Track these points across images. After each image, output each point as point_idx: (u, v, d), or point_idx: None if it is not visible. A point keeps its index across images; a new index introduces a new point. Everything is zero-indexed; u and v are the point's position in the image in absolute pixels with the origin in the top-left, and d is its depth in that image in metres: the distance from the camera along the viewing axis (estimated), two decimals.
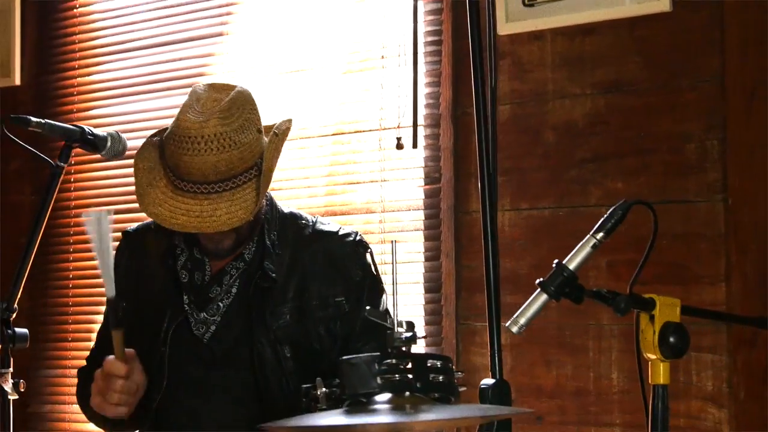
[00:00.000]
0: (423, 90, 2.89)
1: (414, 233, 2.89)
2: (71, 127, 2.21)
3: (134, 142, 2.26)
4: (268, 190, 2.31)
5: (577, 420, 2.70)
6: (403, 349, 1.69)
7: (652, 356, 1.73)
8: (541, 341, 2.74)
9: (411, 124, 2.72)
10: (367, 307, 1.76)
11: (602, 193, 2.70)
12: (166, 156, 2.14)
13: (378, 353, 1.74)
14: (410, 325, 1.72)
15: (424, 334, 1.73)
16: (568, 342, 2.71)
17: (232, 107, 2.12)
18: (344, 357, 1.80)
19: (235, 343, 2.22)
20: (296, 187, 3.07)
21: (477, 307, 2.84)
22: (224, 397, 2.21)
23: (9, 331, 2.15)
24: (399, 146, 2.88)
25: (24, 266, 2.21)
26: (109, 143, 2.24)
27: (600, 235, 1.71)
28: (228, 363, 2.22)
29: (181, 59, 3.32)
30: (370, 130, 2.97)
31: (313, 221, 2.32)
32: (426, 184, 2.89)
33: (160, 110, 3.33)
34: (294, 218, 2.31)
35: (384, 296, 2.32)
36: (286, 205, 2.34)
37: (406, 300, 2.88)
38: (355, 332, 2.22)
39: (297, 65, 3.10)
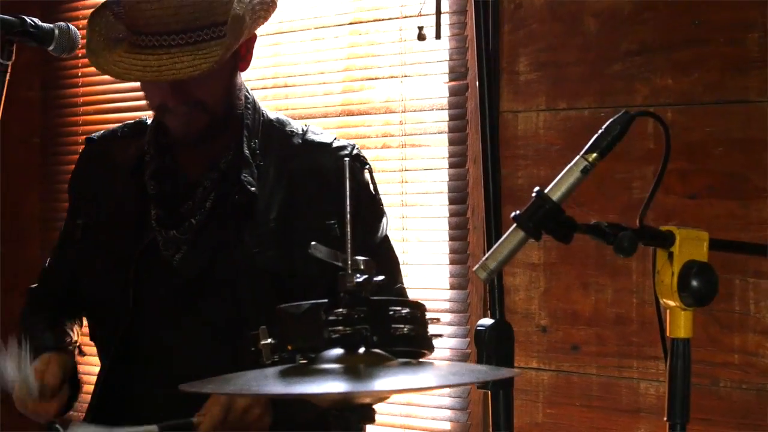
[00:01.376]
0: None
1: (437, 136, 2.56)
2: (7, 16, 1.90)
3: None
4: (251, 93, 2.00)
5: (617, 351, 2.37)
6: (359, 294, 1.40)
7: (671, 303, 1.40)
8: (579, 261, 2.39)
9: (434, 11, 2.40)
10: (313, 243, 1.43)
11: (649, 91, 2.32)
12: (124, 11, 1.89)
13: (325, 300, 1.44)
14: (368, 265, 1.41)
15: (382, 277, 1.38)
16: (609, 262, 2.36)
17: None
18: (284, 305, 1.50)
19: (208, 268, 1.92)
20: (310, 83, 2.74)
21: (509, 220, 2.50)
22: (198, 329, 1.93)
23: None
24: (420, 37, 2.51)
25: None
26: (56, 35, 1.93)
27: (593, 156, 1.37)
28: (201, 291, 1.93)
29: None
30: (390, 19, 2.62)
31: (303, 129, 2.00)
32: (451, 81, 2.54)
33: None
34: (281, 125, 2.00)
35: (384, 220, 2.01)
36: (275, 109, 2.06)
37: (428, 211, 2.55)
38: None
39: None
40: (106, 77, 3.07)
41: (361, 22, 2.66)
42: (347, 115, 2.68)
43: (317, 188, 1.93)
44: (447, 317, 2.52)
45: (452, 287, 2.52)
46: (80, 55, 3.24)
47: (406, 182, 2.58)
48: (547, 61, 2.44)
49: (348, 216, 1.43)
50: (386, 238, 2.02)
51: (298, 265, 1.90)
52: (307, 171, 1.94)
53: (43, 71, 3.34)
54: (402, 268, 2.55)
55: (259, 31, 2.74)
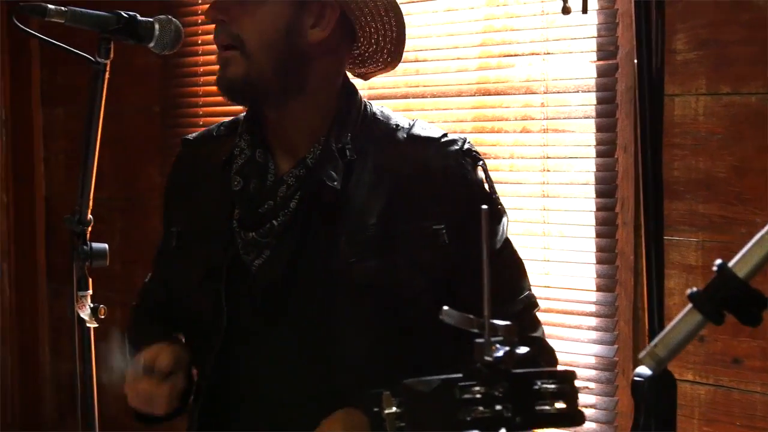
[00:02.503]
0: None
1: (583, 121, 2.31)
2: (103, 13, 1.72)
3: None
4: (353, 86, 1.80)
5: None
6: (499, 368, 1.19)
7: None
8: None
9: None
10: (444, 308, 1.23)
11: None
12: None
13: (458, 375, 1.24)
14: (509, 331, 1.21)
15: (526, 349, 1.18)
16: None
17: None
18: (410, 380, 1.30)
19: (292, 277, 1.72)
20: (443, 59, 2.51)
21: (669, 220, 2.25)
22: (286, 349, 1.74)
23: (85, 247, 1.75)
24: (565, 10, 2.23)
25: (87, 176, 1.77)
26: (157, 32, 1.74)
27: None
28: (288, 305, 1.73)
29: None
30: None
31: (409, 125, 1.78)
32: (599, 59, 2.28)
33: None
34: (385, 118, 1.78)
35: (503, 222, 1.78)
36: (380, 104, 1.82)
37: (572, 204, 2.32)
38: (460, 272, 1.70)
39: None
40: None
41: None
42: (483, 95, 2.44)
43: (423, 188, 1.70)
44: (592, 321, 2.30)
45: (598, 289, 2.29)
46: (199, 21, 3.09)
47: (548, 171, 2.34)
48: (709, 38, 2.17)
49: (486, 278, 1.23)
50: (507, 241, 1.79)
51: (401, 277, 1.69)
52: (412, 169, 1.72)
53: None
54: (542, 265, 2.35)
55: None
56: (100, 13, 1.72)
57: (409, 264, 1.69)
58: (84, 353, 1.74)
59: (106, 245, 1.78)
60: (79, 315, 1.75)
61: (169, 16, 1.76)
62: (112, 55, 1.72)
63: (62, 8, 1.69)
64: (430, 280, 1.71)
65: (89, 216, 1.76)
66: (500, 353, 1.18)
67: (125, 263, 3.30)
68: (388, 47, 1.82)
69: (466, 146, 1.76)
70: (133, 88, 3.25)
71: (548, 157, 2.34)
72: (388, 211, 1.71)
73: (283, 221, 1.72)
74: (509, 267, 1.81)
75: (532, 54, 2.36)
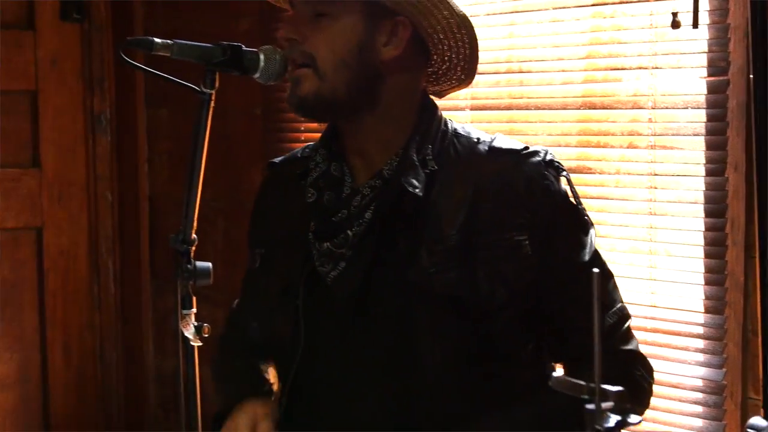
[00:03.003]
0: None
1: (692, 138, 2.25)
2: (208, 45, 1.74)
3: None
4: (434, 103, 1.79)
5: None
6: None
7: None
8: None
9: None
10: (553, 374, 1.21)
11: None
12: None
13: None
14: (622, 397, 1.18)
15: (639, 420, 1.15)
16: None
17: None
18: None
19: (370, 288, 1.72)
20: (548, 70, 2.47)
21: None
22: (363, 363, 1.74)
23: (189, 266, 1.77)
24: (675, 25, 2.21)
25: (191, 199, 1.78)
26: (262, 62, 1.75)
27: None
28: (365, 317, 1.73)
29: None
30: (640, 1, 2.31)
31: (491, 138, 1.77)
32: (709, 75, 2.21)
33: None
34: (466, 133, 1.78)
35: (591, 233, 1.75)
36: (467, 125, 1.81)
37: (680, 222, 2.26)
38: (543, 284, 1.68)
39: None
40: None
41: (605, 4, 2.35)
42: (589, 108, 2.40)
43: (505, 199, 1.70)
44: (699, 343, 2.24)
45: (707, 311, 2.23)
46: None
47: (656, 188, 2.29)
48: None
49: (596, 336, 1.21)
50: (596, 253, 1.77)
51: (482, 288, 1.68)
52: (493, 180, 1.71)
53: (265, 41, 3.18)
54: (648, 284, 2.30)
55: (493, 8, 2.50)
56: (205, 45, 1.74)
57: (490, 275, 1.68)
58: (189, 371, 1.76)
59: (209, 264, 1.79)
60: (183, 333, 1.78)
61: (274, 47, 1.76)
62: (217, 85, 1.73)
63: (168, 41, 1.71)
64: (511, 292, 1.70)
65: (193, 236, 1.78)
66: (612, 423, 1.16)
67: (227, 263, 3.32)
68: (461, 64, 1.82)
69: (549, 157, 1.75)
70: (236, 89, 3.26)
71: (656, 174, 2.29)
72: (470, 222, 1.70)
73: (359, 231, 1.72)
74: (600, 279, 1.78)
75: (640, 68, 2.30)
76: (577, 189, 2.30)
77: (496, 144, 1.76)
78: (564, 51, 2.43)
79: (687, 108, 2.24)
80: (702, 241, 2.23)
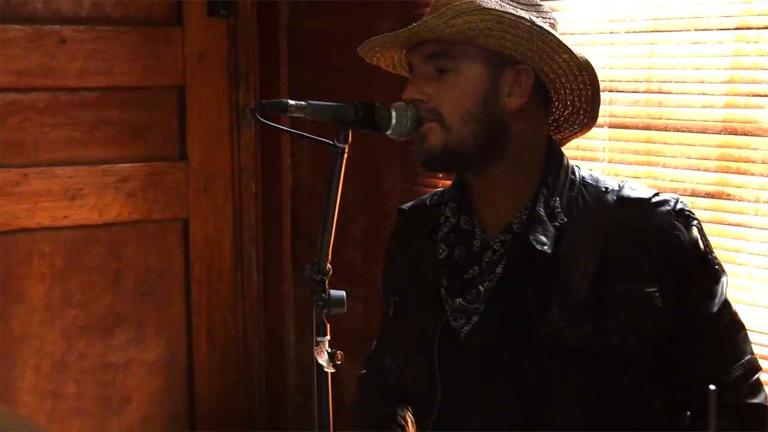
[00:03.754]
0: None
1: None
2: (341, 104, 1.79)
3: None
4: (560, 150, 1.79)
5: None
6: None
7: None
8: None
9: None
10: None
11: None
12: None
13: None
14: None
15: None
16: None
17: None
18: None
19: (502, 342, 1.75)
20: (688, 92, 2.42)
21: None
22: (497, 416, 1.78)
23: (324, 295, 1.85)
24: None
25: (326, 235, 1.87)
26: (394, 120, 1.79)
27: None
28: (498, 371, 1.77)
29: None
30: None
31: (619, 185, 1.77)
32: None
33: None
34: (594, 181, 1.78)
35: (722, 282, 1.74)
36: (591, 169, 1.81)
37: None
38: (674, 336, 1.68)
39: None
40: None
41: (749, 28, 2.29)
42: (730, 134, 2.35)
43: (634, 250, 1.71)
44: None
45: None
46: None
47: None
48: None
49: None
50: (726, 302, 1.76)
51: (613, 342, 1.70)
52: (622, 231, 1.72)
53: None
54: None
55: (633, 26, 2.48)
56: (338, 104, 1.78)
57: (621, 328, 1.69)
58: (322, 397, 1.83)
59: (343, 293, 1.86)
60: (317, 360, 1.85)
61: (406, 104, 1.79)
62: (350, 140, 1.77)
63: (302, 103, 1.76)
64: (643, 344, 1.70)
65: (328, 266, 1.84)
66: None
67: (367, 261, 3.40)
68: (584, 107, 1.82)
69: (679, 206, 1.74)
70: (376, 90, 3.30)
71: None
72: (600, 275, 1.71)
73: (490, 287, 1.75)
74: (729, 330, 1.78)
75: None
76: (715, 215, 2.30)
77: (624, 193, 1.76)
78: (705, 74, 2.38)
79: None
80: None
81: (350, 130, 1.77)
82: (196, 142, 3.63)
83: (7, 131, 3.28)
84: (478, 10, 1.68)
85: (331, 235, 1.84)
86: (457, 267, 1.80)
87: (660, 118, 2.48)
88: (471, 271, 1.78)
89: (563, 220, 1.74)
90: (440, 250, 1.82)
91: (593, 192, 1.77)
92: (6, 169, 3.29)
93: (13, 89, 3.27)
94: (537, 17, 1.78)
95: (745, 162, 2.32)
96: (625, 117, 2.54)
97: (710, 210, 2.38)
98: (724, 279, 1.76)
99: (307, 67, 3.60)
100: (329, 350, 1.84)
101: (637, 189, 1.78)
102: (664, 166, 2.47)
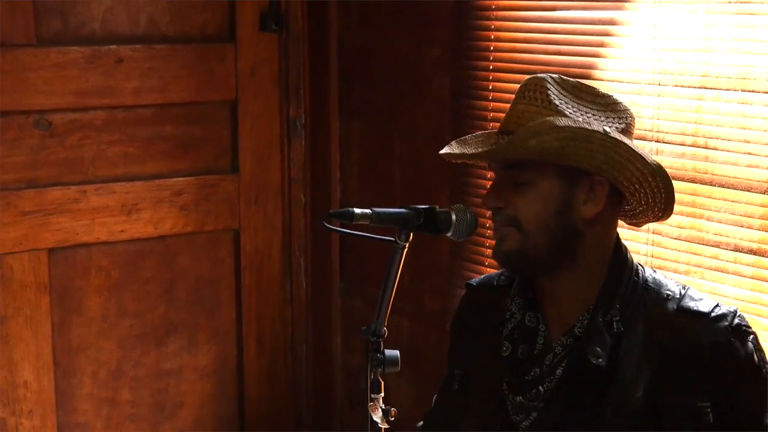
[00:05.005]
0: None
1: None
2: (403, 211, 1.87)
3: None
4: (629, 254, 1.85)
5: None
6: None
7: None
8: None
9: None
10: None
11: None
12: None
13: None
14: None
15: None
16: None
17: (586, 91, 1.87)
18: None
19: None
20: (733, 150, 2.47)
21: None
22: None
23: (379, 355, 1.98)
24: None
25: (384, 305, 1.99)
26: (453, 222, 1.87)
27: None
28: None
29: None
30: None
31: (680, 294, 1.83)
32: None
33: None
34: (657, 287, 1.84)
35: None
36: (655, 269, 1.87)
37: None
38: None
39: None
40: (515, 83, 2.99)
41: None
42: None
43: (690, 364, 1.77)
44: None
45: None
46: (491, 58, 3.13)
47: None
48: None
49: None
50: None
51: None
52: (679, 344, 1.79)
53: (455, 69, 3.26)
54: None
55: (682, 80, 2.52)
56: (401, 210, 1.87)
57: None
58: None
59: (397, 352, 1.97)
60: (371, 416, 1.96)
61: (465, 206, 1.87)
62: (411, 238, 1.86)
63: (367, 211, 1.86)
64: None
65: (384, 329, 1.94)
66: None
67: (413, 278, 3.48)
68: (658, 206, 1.87)
69: (736, 321, 1.79)
70: (426, 116, 3.37)
71: None
72: (655, 385, 1.78)
73: (550, 387, 1.83)
74: None
75: None
76: (757, 272, 2.35)
77: (684, 303, 1.81)
78: (751, 134, 2.43)
79: None
80: None
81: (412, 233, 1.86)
82: (248, 155, 3.71)
83: (66, 150, 3.37)
84: (551, 129, 1.74)
85: (388, 308, 1.94)
86: (520, 366, 1.88)
87: (705, 173, 2.53)
88: (532, 374, 1.86)
89: (620, 329, 1.80)
90: (504, 348, 1.90)
91: (655, 298, 1.84)
92: (65, 187, 3.38)
93: (72, 109, 3.36)
94: (613, 119, 1.84)
95: None
96: (671, 168, 2.58)
97: (752, 266, 2.44)
98: None
99: (357, 84, 3.66)
100: (383, 407, 1.94)
101: (698, 300, 1.83)
102: (708, 219, 2.52)
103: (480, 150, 1.86)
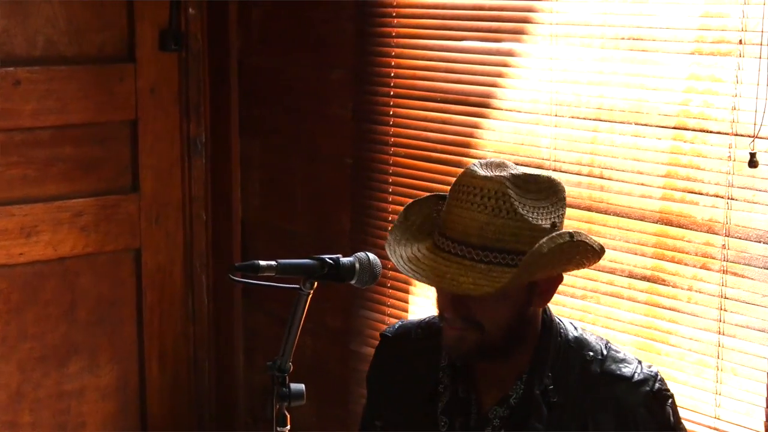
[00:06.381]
0: None
1: (762, 272, 2.35)
2: (309, 261, 1.92)
3: None
4: (553, 315, 1.93)
5: None
6: None
7: None
8: None
9: None
10: None
11: None
12: (444, 210, 1.90)
13: None
14: None
15: None
16: None
17: (532, 182, 1.85)
18: None
19: None
20: (627, 181, 2.57)
21: None
22: None
23: (284, 389, 2.02)
24: (752, 164, 2.31)
25: (289, 345, 2.03)
26: (357, 272, 1.92)
27: None
28: None
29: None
30: (719, 133, 2.39)
31: (602, 354, 1.91)
32: None
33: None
34: (580, 348, 1.92)
35: None
36: (577, 325, 1.94)
37: (749, 347, 2.38)
38: None
39: (634, 32, 2.51)
40: (415, 109, 3.05)
41: (686, 129, 2.44)
42: (666, 224, 2.50)
43: (614, 425, 1.85)
44: None
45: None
46: (392, 84, 3.18)
47: (725, 311, 2.41)
48: None
49: None
50: None
51: None
52: (603, 406, 1.87)
53: (355, 93, 3.30)
54: (714, 397, 2.43)
55: (577, 112, 2.61)
56: (306, 261, 1.92)
57: None
58: None
59: (302, 386, 2.01)
60: None
61: (369, 254, 1.91)
62: (315, 286, 1.90)
63: (272, 263, 1.89)
64: None
65: (289, 364, 1.99)
66: None
67: (315, 297, 3.49)
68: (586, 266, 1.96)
69: (657, 386, 1.89)
70: (326, 138, 3.41)
71: (726, 298, 2.40)
72: None
73: None
74: None
75: (716, 196, 2.39)
76: (651, 298, 2.45)
77: (607, 367, 1.90)
78: (644, 166, 2.52)
79: (760, 242, 2.34)
80: (766, 379, 2.35)
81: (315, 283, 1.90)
82: (148, 174, 3.71)
83: None
84: (535, 262, 1.78)
85: (293, 347, 1.99)
86: None
87: (601, 202, 2.62)
88: None
89: (554, 399, 1.87)
90: (442, 423, 1.95)
91: (580, 361, 1.91)
92: None
93: None
94: (559, 206, 1.90)
95: (679, 252, 2.48)
96: (569, 196, 2.65)
97: (646, 293, 2.54)
98: None
99: (258, 103, 3.68)
100: None
101: (620, 362, 1.92)
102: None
103: (470, 286, 1.80)
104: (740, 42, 2.32)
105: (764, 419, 2.38)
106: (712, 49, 2.38)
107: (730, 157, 2.37)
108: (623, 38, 2.53)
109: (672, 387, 2.45)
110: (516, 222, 1.81)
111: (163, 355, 3.83)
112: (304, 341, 3.53)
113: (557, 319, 1.98)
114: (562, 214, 1.90)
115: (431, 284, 1.87)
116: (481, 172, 1.85)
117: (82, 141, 3.56)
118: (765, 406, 2.38)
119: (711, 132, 2.40)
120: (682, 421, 2.01)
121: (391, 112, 3.18)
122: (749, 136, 2.30)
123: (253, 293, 3.82)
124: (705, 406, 2.46)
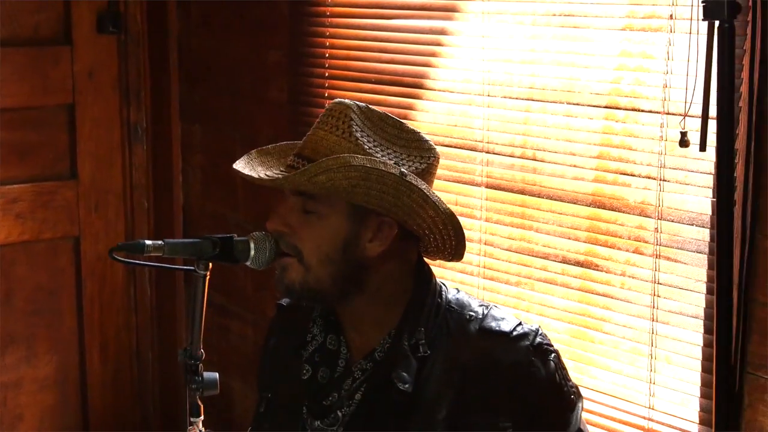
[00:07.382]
0: None
1: (695, 255, 2.27)
2: (198, 241, 1.81)
3: None
4: (433, 277, 1.83)
5: None
6: None
7: None
8: None
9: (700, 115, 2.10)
10: None
11: None
12: None
13: None
14: None
15: None
16: None
17: (393, 125, 1.83)
18: None
19: None
20: (560, 163, 2.48)
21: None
22: None
23: (197, 378, 1.92)
24: (683, 143, 2.22)
25: (196, 332, 1.91)
26: (252, 252, 1.82)
27: None
28: None
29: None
30: (651, 111, 2.31)
31: (482, 314, 1.81)
32: (715, 197, 2.22)
33: None
34: (460, 308, 1.82)
35: (577, 409, 1.81)
36: (462, 290, 1.86)
37: (681, 334, 2.30)
38: None
39: (566, 8, 2.42)
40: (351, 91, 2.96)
41: (618, 108, 2.36)
42: (599, 207, 2.42)
43: (491, 385, 1.76)
44: None
45: (701, 422, 2.28)
46: (327, 55, 3.08)
47: (659, 296, 2.32)
48: None
49: None
50: (579, 430, 1.84)
51: None
52: (481, 364, 1.77)
53: (293, 75, 3.21)
54: (647, 386, 2.36)
55: (510, 91, 2.52)
56: (196, 241, 1.81)
57: None
58: None
59: (216, 375, 1.92)
60: None
61: (265, 234, 1.82)
62: (210, 267, 1.80)
63: (159, 243, 1.79)
64: None
65: (200, 351, 1.89)
66: None
67: (256, 286, 3.44)
68: (448, 250, 1.86)
69: (537, 341, 1.79)
70: (265, 121, 3.32)
71: (659, 283, 2.32)
72: (457, 406, 1.77)
73: (348, 412, 1.80)
74: None
75: (648, 177, 2.31)
76: (584, 284, 2.36)
77: (486, 324, 1.79)
78: (576, 147, 2.44)
79: (692, 225, 2.26)
80: (700, 356, 2.27)
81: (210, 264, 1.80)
82: (87, 160, 3.61)
83: None
84: (343, 167, 1.69)
85: (200, 332, 1.89)
86: (319, 390, 1.84)
87: (534, 184, 2.53)
88: (330, 399, 1.82)
89: (426, 353, 1.78)
90: (304, 371, 1.86)
91: (457, 319, 1.81)
92: None
93: None
94: (414, 159, 1.79)
95: (612, 236, 2.40)
96: (501, 179, 2.59)
97: (579, 278, 2.46)
98: (579, 404, 1.82)
99: (198, 87, 3.59)
100: (202, 430, 1.90)
101: (500, 320, 1.81)
102: (537, 230, 2.53)
103: (266, 176, 1.80)
104: (671, 17, 2.23)
105: (698, 409, 2.30)
106: (643, 24, 2.29)
107: (662, 137, 2.29)
108: (554, 14, 2.44)
109: (606, 376, 2.39)
110: (349, 143, 1.75)
111: (104, 346, 3.73)
112: (246, 331, 3.46)
113: (440, 282, 1.89)
114: (418, 171, 1.79)
115: (245, 174, 1.85)
116: (351, 104, 1.83)
117: (16, 125, 3.46)
118: (699, 395, 2.30)
119: (642, 111, 2.32)
120: (575, 383, 1.88)
121: (326, 94, 3.09)
122: (680, 115, 2.21)
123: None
124: (639, 395, 2.38)
